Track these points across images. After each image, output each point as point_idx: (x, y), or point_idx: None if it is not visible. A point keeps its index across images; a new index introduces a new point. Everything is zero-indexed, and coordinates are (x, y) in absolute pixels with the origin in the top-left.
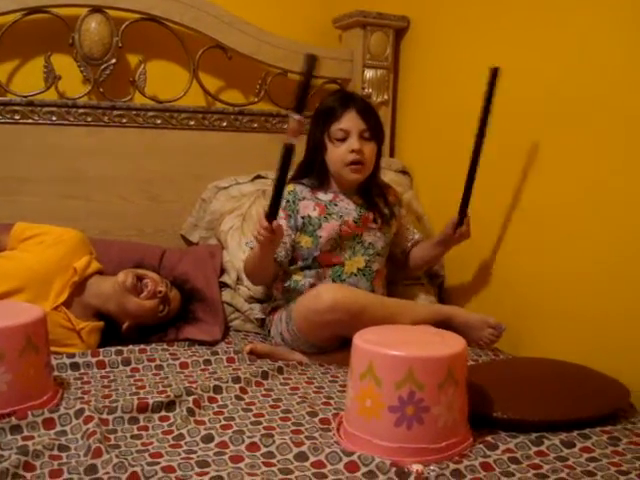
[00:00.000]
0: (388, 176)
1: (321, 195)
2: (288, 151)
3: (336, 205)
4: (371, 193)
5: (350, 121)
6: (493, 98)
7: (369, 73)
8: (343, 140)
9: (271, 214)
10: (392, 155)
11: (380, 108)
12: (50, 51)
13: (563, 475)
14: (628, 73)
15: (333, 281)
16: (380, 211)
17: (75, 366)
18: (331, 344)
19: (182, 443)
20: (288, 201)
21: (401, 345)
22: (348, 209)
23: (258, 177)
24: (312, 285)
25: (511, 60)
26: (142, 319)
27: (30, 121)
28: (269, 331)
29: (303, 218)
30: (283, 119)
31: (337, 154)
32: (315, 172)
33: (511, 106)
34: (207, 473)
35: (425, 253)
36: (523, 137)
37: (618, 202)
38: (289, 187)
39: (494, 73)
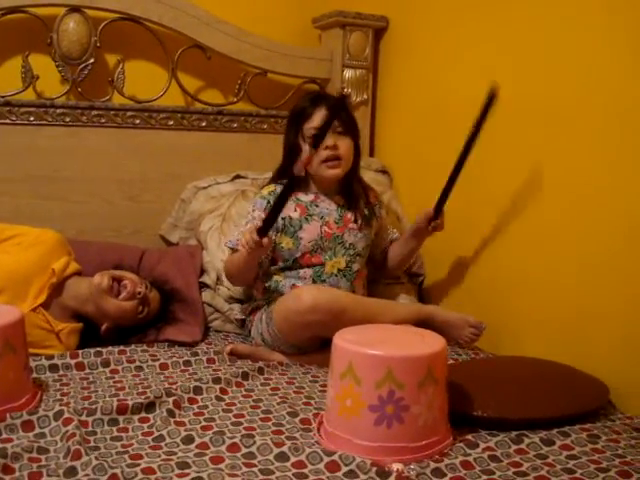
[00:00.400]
0: (367, 176)
1: (302, 196)
2: (293, 180)
3: (317, 206)
4: (352, 193)
5: (321, 118)
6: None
7: (348, 73)
8: None
9: (264, 230)
10: (372, 155)
11: (359, 108)
12: (28, 51)
13: (543, 473)
14: (612, 66)
15: (313, 281)
16: (361, 211)
17: (54, 368)
18: (311, 345)
19: (162, 444)
20: (269, 202)
21: (380, 344)
22: (329, 209)
23: (237, 177)
24: (293, 286)
25: (489, 60)
26: (121, 320)
27: (7, 121)
28: (249, 332)
29: (283, 219)
30: (262, 119)
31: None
32: (293, 174)
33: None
34: (188, 474)
35: (400, 249)
36: (505, 135)
37: (603, 200)
38: (270, 187)
39: (492, 95)
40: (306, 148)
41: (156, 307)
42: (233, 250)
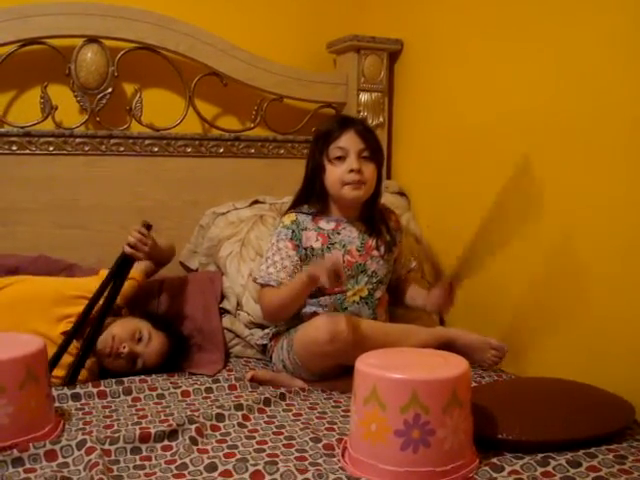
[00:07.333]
0: (385, 198)
1: (323, 224)
2: None
3: (339, 234)
4: (374, 219)
5: (348, 140)
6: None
7: (364, 96)
8: (342, 160)
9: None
10: (389, 177)
11: (376, 131)
12: (46, 81)
13: None
14: (626, 86)
15: (335, 309)
16: (383, 238)
17: (76, 397)
18: (332, 372)
19: (185, 472)
20: (293, 231)
21: (404, 368)
22: (351, 237)
23: (256, 202)
24: (313, 313)
25: (504, 81)
26: (118, 372)
27: (27, 152)
28: (271, 357)
29: (306, 249)
30: (279, 144)
31: (336, 174)
32: (315, 196)
33: (505, 124)
34: None
35: (412, 302)
36: (519, 152)
37: (618, 213)
38: (291, 216)
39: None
40: (330, 168)
41: (161, 353)
42: (263, 286)
